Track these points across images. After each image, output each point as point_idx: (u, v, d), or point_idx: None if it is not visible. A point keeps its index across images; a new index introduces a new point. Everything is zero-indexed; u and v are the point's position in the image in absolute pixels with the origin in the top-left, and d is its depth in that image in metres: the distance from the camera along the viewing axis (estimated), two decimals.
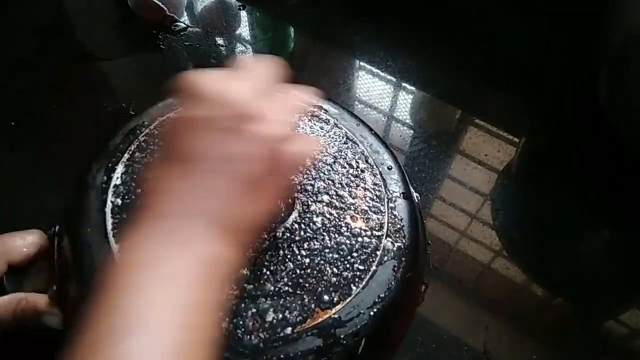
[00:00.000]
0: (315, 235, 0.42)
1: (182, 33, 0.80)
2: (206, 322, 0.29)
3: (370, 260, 0.41)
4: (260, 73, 0.37)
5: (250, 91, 0.35)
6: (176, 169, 0.32)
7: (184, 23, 0.80)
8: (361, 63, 0.79)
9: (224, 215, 0.31)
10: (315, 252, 0.41)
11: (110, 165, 0.44)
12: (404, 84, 0.76)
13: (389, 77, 0.77)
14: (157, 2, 0.76)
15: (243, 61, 0.38)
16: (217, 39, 0.81)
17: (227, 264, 0.31)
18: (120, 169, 0.43)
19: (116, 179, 0.43)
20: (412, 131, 0.71)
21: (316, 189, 0.45)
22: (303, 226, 0.42)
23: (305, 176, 0.46)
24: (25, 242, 0.42)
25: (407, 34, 0.83)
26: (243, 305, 0.37)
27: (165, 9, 0.77)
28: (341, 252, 0.41)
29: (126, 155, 0.44)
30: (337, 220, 0.43)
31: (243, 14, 0.85)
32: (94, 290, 0.28)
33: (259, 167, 0.33)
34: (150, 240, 0.30)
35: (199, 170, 0.32)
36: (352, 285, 0.39)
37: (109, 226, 0.40)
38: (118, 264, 0.29)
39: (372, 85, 0.76)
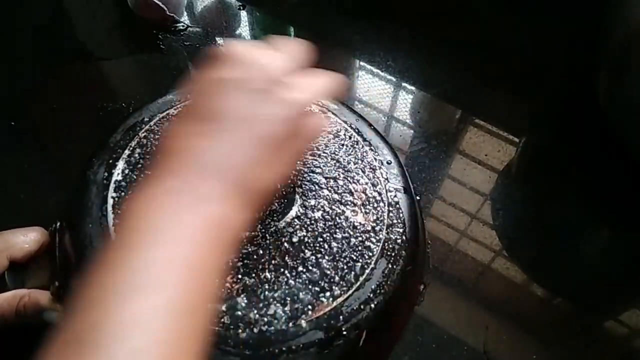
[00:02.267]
0: (315, 229, 0.42)
1: (182, 33, 0.80)
2: (210, 283, 0.29)
3: (371, 253, 0.41)
4: (292, 51, 0.38)
5: (282, 61, 0.36)
6: (197, 127, 0.32)
7: (184, 23, 0.80)
8: (361, 63, 0.80)
9: (238, 176, 0.31)
10: (316, 246, 0.41)
11: (111, 161, 0.44)
12: (404, 84, 0.76)
13: (389, 77, 0.77)
14: (157, 2, 0.76)
15: (275, 40, 0.38)
16: (217, 39, 0.81)
17: (235, 225, 0.31)
18: (121, 165, 0.43)
19: (117, 175, 0.43)
20: (412, 131, 0.71)
21: (316, 183, 0.45)
22: (303, 220, 0.42)
23: (305, 170, 0.46)
24: (27, 239, 0.42)
25: (407, 34, 0.83)
26: (245, 298, 0.37)
27: (165, 9, 0.77)
28: (341, 246, 0.41)
29: (127, 152, 0.44)
30: (337, 214, 0.43)
31: (243, 14, 0.85)
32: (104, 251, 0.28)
33: (281, 131, 0.33)
34: (159, 197, 0.30)
35: (220, 129, 0.32)
36: (352, 278, 0.39)
37: (110, 222, 0.40)
38: (125, 219, 0.29)
39: (372, 85, 0.76)
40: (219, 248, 0.30)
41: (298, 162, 0.45)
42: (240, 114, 0.33)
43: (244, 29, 0.84)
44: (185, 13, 0.83)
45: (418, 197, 0.51)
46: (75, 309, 0.25)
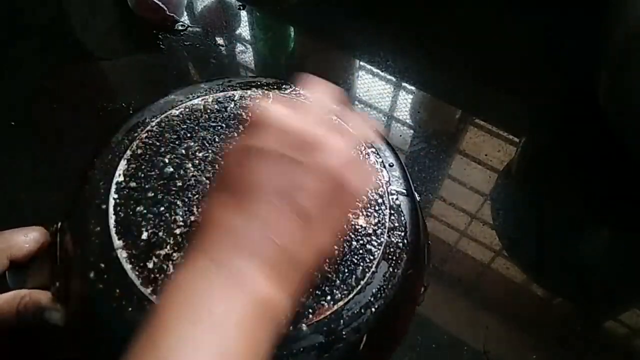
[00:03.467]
0: None
1: (182, 33, 0.80)
2: None
3: (372, 256, 0.41)
4: (322, 99, 0.37)
5: (312, 119, 0.34)
6: (232, 201, 0.31)
7: (184, 23, 0.80)
8: (361, 63, 0.80)
9: (277, 254, 0.30)
10: None
11: (112, 161, 0.44)
12: (404, 84, 0.76)
13: (389, 77, 0.77)
14: (157, 2, 0.76)
15: (305, 81, 0.37)
16: (217, 39, 0.81)
17: (275, 306, 0.30)
18: (122, 165, 0.43)
19: (118, 176, 0.43)
20: (412, 131, 0.71)
21: None
22: None
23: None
24: (28, 239, 0.42)
25: (407, 34, 0.83)
26: None
27: (165, 8, 0.77)
28: (343, 249, 0.41)
29: (128, 152, 0.44)
30: None
31: (243, 14, 0.85)
32: (140, 329, 0.27)
33: (318, 202, 0.32)
34: (200, 278, 0.29)
35: (255, 203, 0.31)
36: (353, 281, 0.39)
37: (111, 223, 0.40)
38: (167, 301, 0.28)
39: (372, 85, 0.76)
40: (258, 331, 0.28)
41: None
42: (277, 186, 0.31)
43: (244, 29, 0.84)
44: (185, 13, 0.83)
45: (418, 197, 0.51)
46: None
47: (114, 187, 0.42)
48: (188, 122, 0.48)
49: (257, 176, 0.31)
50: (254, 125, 0.34)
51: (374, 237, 0.42)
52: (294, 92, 0.53)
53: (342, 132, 0.35)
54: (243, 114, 0.49)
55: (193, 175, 0.43)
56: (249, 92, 0.52)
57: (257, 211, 0.31)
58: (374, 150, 0.49)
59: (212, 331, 0.27)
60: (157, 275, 0.37)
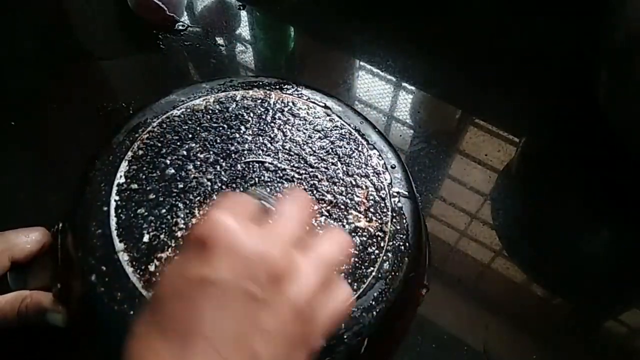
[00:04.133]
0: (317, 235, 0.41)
1: (182, 33, 0.80)
2: None
3: (373, 260, 0.41)
4: (292, 216, 0.31)
5: (286, 234, 0.30)
6: (173, 347, 0.25)
7: (184, 23, 0.80)
8: (361, 63, 0.79)
9: None
10: None
11: (113, 162, 0.44)
12: (404, 84, 0.76)
13: (389, 77, 0.77)
14: (157, 2, 0.76)
15: (275, 203, 0.33)
16: (217, 38, 0.81)
17: None
18: (123, 166, 0.43)
19: (119, 177, 0.43)
20: (412, 131, 0.71)
21: (319, 188, 0.45)
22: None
23: (308, 174, 0.46)
24: (29, 239, 0.42)
25: (407, 34, 0.83)
26: None
27: (165, 9, 0.77)
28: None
29: (129, 153, 0.44)
30: (340, 219, 0.43)
31: (243, 13, 0.85)
32: None
33: (292, 345, 0.27)
34: None
35: (205, 355, 0.25)
36: (355, 285, 0.39)
37: (113, 224, 0.40)
38: None
39: (372, 85, 0.76)
40: None
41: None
42: (228, 331, 0.25)
43: (244, 28, 0.84)
44: (185, 13, 0.83)
45: (419, 197, 0.51)
46: None
47: (115, 188, 0.42)
48: (189, 122, 0.48)
49: (201, 317, 0.25)
50: (201, 243, 0.27)
51: (375, 240, 0.42)
52: (296, 92, 0.53)
53: (313, 253, 0.31)
54: (245, 114, 0.49)
55: (194, 177, 0.43)
56: (250, 92, 0.52)
57: None
58: (376, 151, 0.49)
59: None
60: (159, 278, 0.37)
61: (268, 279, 0.27)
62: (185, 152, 0.45)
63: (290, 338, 0.27)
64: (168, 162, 0.44)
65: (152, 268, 0.38)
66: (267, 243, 0.28)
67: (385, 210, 0.44)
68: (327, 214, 0.43)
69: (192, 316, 0.25)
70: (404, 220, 0.44)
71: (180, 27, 0.80)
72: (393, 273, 0.41)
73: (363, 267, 0.40)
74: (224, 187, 0.44)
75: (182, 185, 0.43)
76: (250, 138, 0.48)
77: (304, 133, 0.49)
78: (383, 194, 0.45)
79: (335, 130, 0.50)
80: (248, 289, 0.26)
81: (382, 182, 0.46)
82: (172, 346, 0.25)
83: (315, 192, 0.45)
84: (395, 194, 0.46)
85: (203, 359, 0.25)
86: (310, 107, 0.52)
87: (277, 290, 0.27)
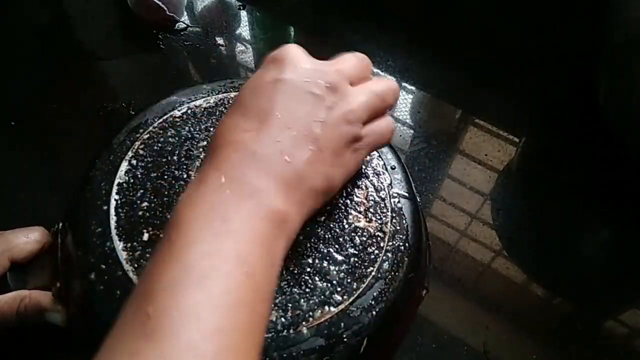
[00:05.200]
0: (317, 235, 0.41)
1: (182, 33, 0.80)
2: (267, 277, 0.28)
3: (373, 260, 0.41)
4: (351, 61, 0.38)
5: (344, 70, 0.36)
6: (247, 124, 0.32)
7: (184, 23, 0.80)
8: None
9: (291, 173, 0.31)
10: (318, 252, 0.40)
11: (114, 162, 0.44)
12: (404, 84, 0.76)
13: (389, 77, 0.77)
14: (157, 2, 0.76)
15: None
16: (217, 38, 0.81)
17: (289, 219, 0.31)
18: (124, 166, 0.43)
19: (120, 177, 0.42)
20: (412, 131, 0.71)
21: None
22: (305, 225, 0.42)
23: None
24: (29, 239, 0.42)
25: (407, 34, 0.83)
26: None
27: (165, 9, 0.77)
28: (344, 252, 0.41)
29: (130, 153, 0.44)
30: (340, 219, 0.43)
31: (243, 13, 0.85)
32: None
33: (341, 139, 0.34)
34: (215, 193, 0.29)
35: (270, 127, 0.32)
36: (354, 284, 0.39)
37: (113, 224, 0.40)
38: (182, 216, 0.28)
39: None
40: (273, 242, 0.29)
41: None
42: (294, 115, 0.33)
43: (244, 28, 0.84)
44: (185, 13, 0.83)
45: (418, 197, 0.51)
46: (132, 302, 0.26)
47: (115, 188, 0.42)
48: (190, 123, 0.47)
49: (274, 104, 0.33)
50: (275, 59, 0.36)
51: (375, 241, 0.42)
52: None
53: (369, 85, 0.37)
54: None
55: (194, 177, 0.43)
56: None
57: (272, 134, 0.32)
58: (376, 152, 0.49)
59: (231, 243, 0.27)
60: None
61: (326, 86, 0.34)
62: (185, 153, 0.45)
63: (340, 133, 0.34)
64: (168, 162, 0.44)
65: None
66: (328, 66, 0.36)
67: (385, 210, 0.44)
68: (327, 214, 0.43)
69: (267, 104, 0.33)
70: (404, 221, 0.44)
71: (181, 27, 0.80)
72: (393, 273, 0.40)
73: (363, 267, 0.40)
74: None
75: (182, 185, 0.43)
76: None
77: None
78: (383, 194, 0.45)
79: None
80: (311, 89, 0.34)
81: (382, 183, 0.46)
82: (252, 122, 0.32)
83: None
84: (395, 195, 0.46)
85: (276, 129, 0.32)
86: None
87: (333, 95, 0.34)
